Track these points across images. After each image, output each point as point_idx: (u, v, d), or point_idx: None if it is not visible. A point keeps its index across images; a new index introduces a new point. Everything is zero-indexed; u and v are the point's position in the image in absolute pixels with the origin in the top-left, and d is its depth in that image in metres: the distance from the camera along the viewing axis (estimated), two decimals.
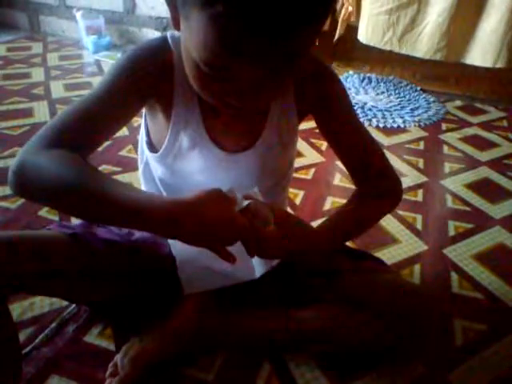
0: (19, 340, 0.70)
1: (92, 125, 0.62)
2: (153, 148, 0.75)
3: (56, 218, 1.19)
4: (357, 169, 0.78)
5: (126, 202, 0.51)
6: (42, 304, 0.94)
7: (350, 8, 2.03)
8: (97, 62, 2.45)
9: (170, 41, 0.66)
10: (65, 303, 0.93)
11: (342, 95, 0.76)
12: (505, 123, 1.99)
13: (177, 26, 0.56)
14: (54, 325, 0.89)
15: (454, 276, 1.09)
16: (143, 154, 0.80)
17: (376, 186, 0.76)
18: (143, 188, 0.85)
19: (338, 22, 2.07)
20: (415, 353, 0.87)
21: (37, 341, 0.85)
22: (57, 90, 2.06)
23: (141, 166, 0.83)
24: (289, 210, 1.28)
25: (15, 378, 0.69)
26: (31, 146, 0.58)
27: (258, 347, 0.84)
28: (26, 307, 0.93)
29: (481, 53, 1.85)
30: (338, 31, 2.09)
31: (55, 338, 0.87)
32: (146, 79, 0.65)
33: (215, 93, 0.56)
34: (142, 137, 0.78)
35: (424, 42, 1.93)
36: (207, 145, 0.71)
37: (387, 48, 2.00)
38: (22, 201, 1.26)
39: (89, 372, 0.81)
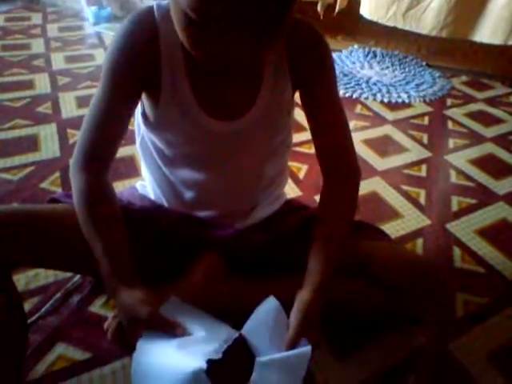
0: (24, 309, 0.71)
1: (111, 133, 0.71)
2: (147, 119, 0.75)
3: (59, 190, 1.19)
4: (326, 149, 0.81)
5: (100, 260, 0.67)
6: (46, 274, 0.94)
7: None
8: (97, 33, 2.41)
9: (155, 9, 0.66)
10: (69, 274, 0.94)
11: (332, 69, 0.76)
12: (511, 99, 1.96)
13: None
14: (58, 295, 0.90)
15: (457, 251, 1.09)
16: (139, 127, 0.79)
17: (339, 174, 0.81)
18: (142, 161, 0.85)
19: None
20: (416, 323, 0.88)
21: (43, 310, 0.86)
22: (57, 61, 2.03)
23: (138, 139, 0.82)
24: (290, 182, 1.28)
25: (21, 345, 0.70)
26: (73, 161, 0.72)
27: None
28: (31, 277, 0.93)
29: (490, 30, 1.77)
30: (338, 4, 2.04)
31: (60, 307, 0.88)
32: (140, 57, 0.67)
33: (204, 45, 0.55)
34: (138, 109, 0.77)
35: (429, 18, 1.85)
36: (197, 113, 0.70)
37: (391, 24, 1.93)
38: (23, 173, 1.26)
39: (94, 340, 0.82)
